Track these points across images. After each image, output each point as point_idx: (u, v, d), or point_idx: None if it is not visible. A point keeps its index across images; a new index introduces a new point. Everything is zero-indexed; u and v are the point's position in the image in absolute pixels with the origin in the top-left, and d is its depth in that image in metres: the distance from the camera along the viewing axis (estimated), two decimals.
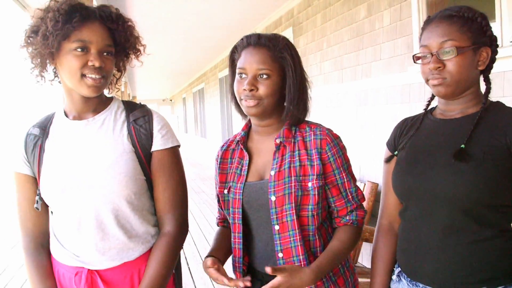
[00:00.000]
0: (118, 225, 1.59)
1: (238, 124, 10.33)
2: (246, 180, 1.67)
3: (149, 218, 1.67)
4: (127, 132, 1.62)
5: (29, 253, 1.65)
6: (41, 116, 1.71)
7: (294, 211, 1.57)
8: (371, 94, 4.39)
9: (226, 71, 11.19)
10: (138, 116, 1.65)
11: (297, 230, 1.57)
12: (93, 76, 1.50)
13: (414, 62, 1.51)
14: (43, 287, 1.61)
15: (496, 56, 1.48)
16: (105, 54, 1.53)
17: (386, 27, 4.06)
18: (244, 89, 1.58)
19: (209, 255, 1.65)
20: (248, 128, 1.77)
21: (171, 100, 28.65)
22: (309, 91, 1.68)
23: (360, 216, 1.64)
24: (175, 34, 8.24)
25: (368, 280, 3.57)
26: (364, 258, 4.49)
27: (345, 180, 1.63)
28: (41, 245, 1.67)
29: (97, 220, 1.57)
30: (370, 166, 4.38)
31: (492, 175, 1.35)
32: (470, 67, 1.42)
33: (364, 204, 4.09)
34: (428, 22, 1.48)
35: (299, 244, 1.58)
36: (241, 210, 1.65)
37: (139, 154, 1.61)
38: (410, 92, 3.78)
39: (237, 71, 1.63)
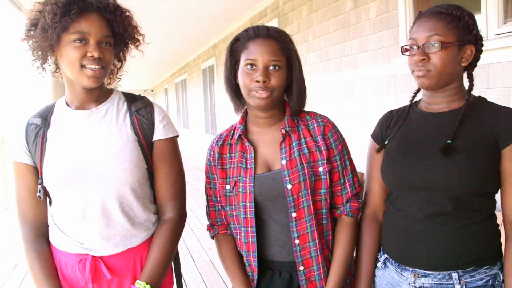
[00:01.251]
0: (122, 212, 1.62)
1: (221, 115, 10.34)
2: (255, 173, 1.67)
3: (150, 206, 1.71)
4: (130, 121, 1.66)
5: (29, 243, 1.66)
6: (40, 107, 1.72)
7: (310, 196, 1.62)
8: (357, 85, 4.45)
9: (209, 62, 11.19)
10: (140, 107, 1.69)
11: (313, 215, 1.63)
12: (92, 66, 1.52)
13: (402, 54, 1.57)
14: (45, 276, 1.62)
15: (481, 55, 1.56)
16: (104, 45, 1.55)
17: (373, 19, 4.11)
18: (257, 81, 1.57)
19: None
20: (244, 121, 1.77)
21: (152, 91, 28.44)
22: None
23: (355, 207, 1.69)
24: (158, 25, 8.18)
25: None
26: None
27: (344, 166, 1.69)
28: (41, 235, 1.69)
29: (102, 207, 1.60)
30: (356, 156, 4.40)
31: (482, 165, 1.43)
32: (453, 62, 1.49)
33: None
34: (419, 17, 1.55)
35: (314, 228, 1.63)
36: (253, 203, 1.65)
37: (141, 143, 1.64)
38: (396, 83, 3.84)
39: (245, 62, 1.61)
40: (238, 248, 1.75)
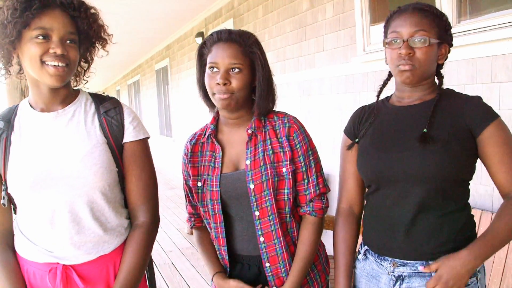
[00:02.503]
0: (93, 218, 1.56)
1: (176, 116, 10.26)
2: (221, 172, 1.72)
3: (121, 211, 1.66)
4: (99, 123, 1.60)
5: None
6: (3, 107, 1.65)
7: (272, 196, 1.66)
8: (315, 85, 4.50)
9: (163, 63, 11.09)
10: (109, 108, 1.63)
11: (276, 214, 1.67)
12: (55, 63, 1.45)
13: (383, 46, 1.59)
14: None
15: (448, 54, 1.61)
16: (68, 42, 1.49)
17: (329, 19, 4.16)
18: (218, 83, 1.62)
19: (219, 272, 1.78)
20: (216, 121, 1.81)
21: (103, 93, 27.87)
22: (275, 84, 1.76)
23: (317, 207, 1.73)
24: (110, 26, 8.01)
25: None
26: None
27: (309, 167, 1.72)
28: (6, 244, 1.61)
29: (71, 213, 1.54)
30: None
31: (457, 154, 1.48)
32: (434, 59, 1.54)
33: None
34: (400, 12, 1.56)
35: (278, 227, 1.68)
36: (220, 201, 1.71)
37: (111, 146, 1.59)
38: (353, 82, 3.91)
39: (208, 65, 1.66)
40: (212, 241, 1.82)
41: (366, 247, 1.69)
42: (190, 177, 1.79)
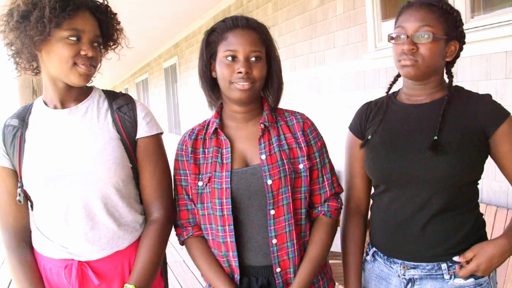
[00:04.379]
0: (107, 214, 1.56)
1: (185, 114, 10.26)
2: (232, 168, 1.59)
3: (136, 207, 1.66)
4: (112, 119, 1.61)
5: (11, 250, 1.59)
6: (20, 105, 1.67)
7: (290, 194, 1.56)
8: (325, 82, 4.48)
9: (171, 61, 11.09)
10: (122, 104, 1.64)
11: (292, 214, 1.57)
12: (86, 64, 1.49)
13: (388, 41, 1.56)
14: (30, 284, 1.55)
15: (461, 52, 1.57)
16: (95, 44, 1.52)
17: (340, 15, 4.14)
18: (239, 72, 1.52)
19: None
20: (219, 115, 1.69)
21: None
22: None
23: (333, 207, 1.64)
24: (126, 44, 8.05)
25: (336, 261, 3.66)
26: None
27: (323, 164, 1.65)
28: (23, 241, 1.62)
29: (86, 209, 1.54)
30: None
31: (470, 156, 1.45)
32: (440, 55, 1.49)
33: None
34: (407, 6, 1.53)
35: (293, 228, 1.57)
36: (230, 200, 1.56)
37: (125, 141, 1.59)
38: (364, 79, 3.89)
39: (225, 53, 1.55)
40: (212, 249, 1.64)
41: (374, 248, 1.67)
42: (189, 176, 1.65)
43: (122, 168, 1.57)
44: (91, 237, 1.56)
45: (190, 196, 1.66)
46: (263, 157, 1.58)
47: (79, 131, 1.57)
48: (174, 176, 1.71)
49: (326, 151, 1.69)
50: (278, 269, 1.58)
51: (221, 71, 1.57)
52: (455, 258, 1.47)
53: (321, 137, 1.68)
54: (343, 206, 1.73)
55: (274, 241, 1.56)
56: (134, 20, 7.78)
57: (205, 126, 1.70)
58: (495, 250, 1.42)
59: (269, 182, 1.55)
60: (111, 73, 18.68)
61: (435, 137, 1.46)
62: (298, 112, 1.69)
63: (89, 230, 1.55)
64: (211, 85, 1.66)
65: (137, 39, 10.06)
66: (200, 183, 1.62)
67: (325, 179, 1.65)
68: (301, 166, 1.60)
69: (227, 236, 1.57)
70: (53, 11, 1.41)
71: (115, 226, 1.58)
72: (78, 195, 1.53)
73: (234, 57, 1.54)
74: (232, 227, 1.56)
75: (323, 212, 1.64)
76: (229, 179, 1.57)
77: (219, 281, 1.58)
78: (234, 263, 1.58)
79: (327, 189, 1.65)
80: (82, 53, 1.47)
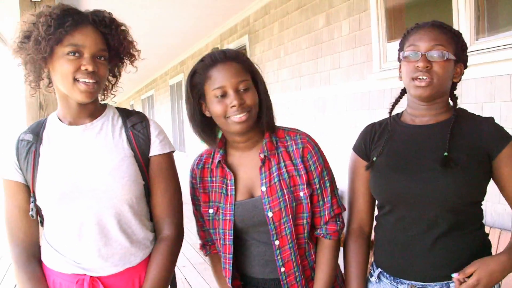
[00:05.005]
0: (120, 230, 1.57)
1: (190, 131, 10.26)
2: (235, 199, 1.64)
3: (147, 224, 1.66)
4: (126, 137, 1.62)
5: (20, 265, 1.58)
6: (31, 123, 1.68)
7: (291, 223, 1.60)
8: (330, 102, 4.50)
9: (177, 78, 11.15)
10: (136, 122, 1.65)
11: (295, 241, 1.61)
12: (86, 80, 1.48)
13: (398, 61, 1.59)
14: None
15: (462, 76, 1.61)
16: (98, 58, 1.52)
17: (345, 36, 4.17)
18: (233, 105, 1.53)
19: None
20: (223, 145, 1.72)
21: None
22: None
23: (332, 230, 1.66)
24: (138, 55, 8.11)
25: None
26: None
27: (324, 188, 1.66)
28: (33, 255, 1.61)
29: (99, 225, 1.54)
30: None
31: (476, 176, 1.47)
32: (450, 75, 1.53)
33: None
34: (418, 27, 1.56)
35: (298, 254, 1.63)
36: (232, 231, 1.63)
37: (138, 159, 1.60)
38: (369, 99, 3.90)
39: (214, 92, 1.56)
40: None
41: (379, 269, 1.66)
42: (200, 203, 1.73)
43: (136, 185, 1.58)
44: (104, 253, 1.56)
45: (204, 219, 1.75)
46: (263, 188, 1.61)
47: (94, 147, 1.58)
48: (191, 199, 1.77)
49: (328, 173, 1.68)
50: None
51: (214, 109, 1.58)
52: (454, 275, 1.46)
53: (323, 160, 1.67)
54: (345, 227, 1.73)
55: (282, 269, 1.63)
56: (142, 37, 7.82)
57: (212, 154, 1.73)
58: (496, 266, 1.42)
59: (270, 214, 1.59)
60: (117, 89, 18.77)
61: (445, 153, 1.48)
62: (299, 134, 1.68)
63: (102, 246, 1.56)
64: (204, 126, 1.67)
65: (144, 56, 10.09)
66: (210, 211, 1.69)
67: (325, 202, 1.66)
68: (301, 193, 1.62)
69: (226, 263, 1.67)
70: (49, 29, 1.43)
71: (128, 243, 1.59)
72: (92, 211, 1.53)
73: (223, 93, 1.55)
74: (231, 256, 1.65)
75: (322, 234, 1.67)
76: (233, 212, 1.63)
77: None
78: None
79: (326, 213, 1.66)
80: (83, 68, 1.47)
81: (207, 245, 1.79)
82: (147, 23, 6.88)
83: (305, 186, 1.61)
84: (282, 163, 1.63)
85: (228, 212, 1.63)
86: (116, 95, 1.75)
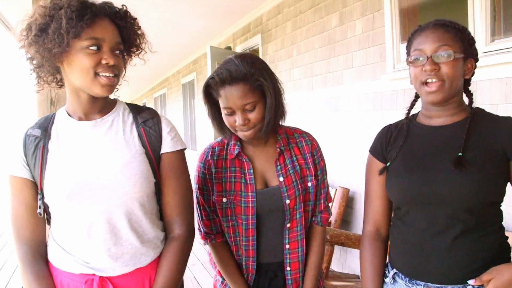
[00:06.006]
0: (131, 229, 1.54)
1: (202, 130, 10.29)
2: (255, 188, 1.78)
3: (158, 223, 1.63)
4: (137, 133, 1.59)
5: (27, 264, 1.54)
6: (35, 117, 1.65)
7: (302, 209, 1.81)
8: (343, 101, 4.47)
9: (189, 77, 11.16)
10: (147, 118, 1.62)
11: (303, 225, 1.83)
12: (107, 74, 1.46)
13: (407, 65, 1.56)
14: None
15: (475, 70, 1.58)
16: (117, 52, 1.49)
17: (358, 36, 4.14)
18: (238, 124, 1.67)
19: None
20: (238, 138, 1.82)
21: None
22: (283, 90, 1.78)
23: (325, 218, 1.89)
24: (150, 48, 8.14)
25: (341, 283, 3.63)
26: (334, 263, 4.55)
27: (322, 180, 1.88)
28: (39, 254, 1.57)
29: (109, 224, 1.51)
30: (341, 172, 4.45)
31: (492, 177, 1.45)
32: (460, 74, 1.51)
33: (335, 209, 4.19)
34: (421, 29, 1.55)
35: (304, 236, 1.85)
36: (255, 216, 1.77)
37: (149, 156, 1.57)
38: (382, 100, 3.87)
39: (223, 109, 1.70)
40: (234, 253, 1.85)
41: (394, 270, 1.64)
42: (212, 192, 1.79)
43: (147, 183, 1.55)
44: (114, 253, 1.53)
45: (212, 208, 1.82)
46: (281, 179, 1.79)
47: (104, 143, 1.55)
48: (196, 189, 1.84)
49: (325, 168, 1.91)
50: (288, 268, 1.84)
51: (225, 121, 1.73)
52: (470, 282, 1.44)
53: (323, 156, 1.90)
54: (362, 229, 1.75)
55: (287, 246, 1.83)
56: (156, 36, 7.84)
57: (225, 147, 1.84)
58: None
59: (288, 201, 1.78)
60: (129, 87, 18.86)
61: (460, 154, 1.46)
62: (305, 133, 1.90)
63: (112, 245, 1.52)
64: (222, 125, 1.80)
65: (157, 54, 10.12)
66: (224, 200, 1.78)
67: (322, 193, 1.89)
68: (309, 184, 1.83)
69: (249, 245, 1.81)
70: (70, 22, 1.39)
71: (138, 243, 1.56)
72: (102, 209, 1.50)
73: (231, 112, 1.68)
74: (255, 237, 1.80)
75: (316, 221, 1.90)
76: (255, 199, 1.77)
77: (237, 284, 1.84)
78: (252, 266, 1.83)
79: (322, 202, 1.89)
80: (104, 62, 1.44)
81: (212, 234, 1.85)
82: (160, 22, 6.89)
83: (313, 177, 1.83)
84: (294, 157, 1.83)
85: (250, 199, 1.76)
86: (119, 89, 1.72)
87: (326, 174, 1.90)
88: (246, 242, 1.80)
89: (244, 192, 1.77)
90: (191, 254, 5.55)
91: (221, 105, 1.69)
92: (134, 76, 14.72)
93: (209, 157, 1.81)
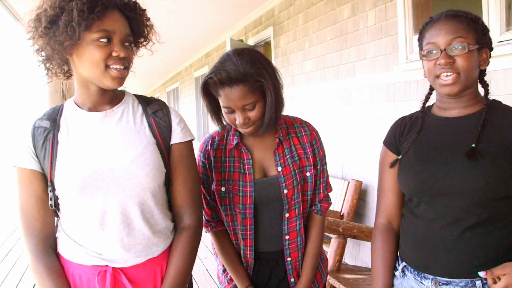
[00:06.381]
0: (144, 220, 1.54)
1: (214, 123, 10.28)
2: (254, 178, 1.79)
3: (168, 213, 1.64)
4: (148, 124, 1.58)
5: (38, 257, 1.51)
6: (46, 109, 1.63)
7: (300, 199, 1.82)
8: (355, 93, 4.44)
9: (201, 71, 11.17)
10: (157, 109, 1.62)
11: (302, 214, 1.84)
12: (118, 66, 1.44)
13: (420, 59, 1.53)
14: None
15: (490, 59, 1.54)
16: (126, 44, 1.48)
17: (371, 27, 4.10)
18: (238, 122, 1.69)
19: (249, 286, 1.86)
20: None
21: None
22: (282, 90, 1.78)
23: (324, 207, 1.90)
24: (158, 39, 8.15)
25: (353, 276, 3.62)
26: (347, 256, 4.54)
27: (322, 169, 1.89)
28: (50, 247, 1.55)
29: (123, 214, 1.51)
30: (354, 164, 4.43)
31: (505, 169, 1.41)
32: (475, 65, 1.47)
33: (348, 202, 4.18)
34: (432, 21, 1.51)
35: (302, 226, 1.86)
36: (253, 205, 1.78)
37: (160, 146, 1.57)
38: (395, 91, 3.83)
39: (223, 108, 1.71)
40: (233, 241, 1.87)
41: (404, 263, 1.62)
42: (212, 181, 1.82)
43: (160, 174, 1.55)
44: (127, 244, 1.53)
45: (212, 197, 1.85)
46: (279, 168, 1.80)
47: (116, 134, 1.54)
48: None
49: (325, 157, 1.91)
50: (289, 258, 1.85)
51: (226, 117, 1.75)
52: (481, 274, 1.40)
53: (322, 145, 1.90)
54: (374, 222, 1.72)
55: (287, 237, 1.83)
56: (168, 30, 7.86)
57: (225, 136, 1.86)
58: None
59: (285, 191, 1.79)
60: (142, 81, 18.93)
61: (473, 145, 1.42)
62: (305, 122, 1.90)
63: (125, 236, 1.52)
64: (218, 116, 1.82)
65: (169, 49, 10.17)
66: (223, 189, 1.80)
67: (321, 182, 1.89)
68: (308, 174, 1.83)
69: (247, 234, 1.81)
70: (81, 14, 1.37)
71: (150, 233, 1.56)
72: (116, 200, 1.49)
73: (231, 111, 1.69)
74: (252, 226, 1.80)
75: (315, 210, 1.90)
76: (253, 188, 1.78)
77: (235, 275, 1.86)
78: (250, 256, 1.84)
79: (321, 191, 1.90)
80: (114, 54, 1.43)
81: (213, 222, 1.89)
82: (171, 16, 6.89)
83: (312, 167, 1.84)
84: (293, 147, 1.83)
85: (248, 189, 1.78)
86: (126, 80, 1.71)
87: (325, 164, 1.91)
88: (244, 231, 1.80)
89: (242, 181, 1.78)
90: (204, 247, 5.57)
91: (221, 104, 1.70)
92: (147, 70, 14.76)
93: (209, 147, 1.85)
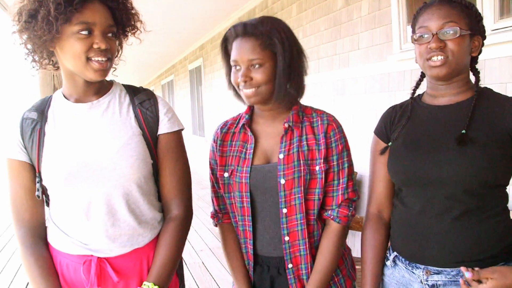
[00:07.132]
0: (129, 210, 1.54)
1: (209, 116, 10.28)
2: (252, 163, 1.67)
3: (155, 204, 1.64)
4: (134, 114, 1.58)
5: (27, 246, 1.55)
6: (35, 101, 1.64)
7: (302, 194, 1.60)
8: (349, 84, 4.42)
9: (196, 63, 11.13)
10: (144, 99, 1.61)
11: (304, 214, 1.62)
12: (99, 59, 1.44)
13: (412, 43, 1.52)
14: (45, 280, 1.52)
15: (482, 48, 1.53)
16: (109, 35, 1.47)
17: (365, 16, 4.08)
18: (240, 80, 1.59)
19: None
20: (251, 111, 1.76)
21: None
22: (306, 65, 1.67)
23: (343, 214, 1.64)
24: (147, 27, 8.10)
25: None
26: None
27: (341, 168, 1.65)
28: (39, 237, 1.59)
29: (107, 205, 1.52)
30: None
31: (496, 157, 1.39)
32: (467, 51, 1.46)
33: None
34: (426, 6, 1.50)
35: (305, 227, 1.63)
36: (249, 193, 1.65)
37: (146, 137, 1.57)
38: (389, 81, 3.82)
39: (231, 62, 1.62)
40: (239, 238, 1.76)
41: (395, 253, 1.61)
42: (217, 166, 1.75)
43: (145, 164, 1.55)
44: (111, 234, 1.54)
45: (219, 185, 1.75)
46: (281, 156, 1.63)
47: (101, 125, 1.54)
48: (209, 164, 1.80)
49: (348, 155, 1.68)
50: (290, 265, 1.65)
51: (232, 78, 1.65)
52: (467, 275, 1.32)
53: (344, 141, 1.67)
54: (366, 211, 1.70)
55: (286, 238, 1.64)
56: (162, 22, 7.83)
57: (237, 120, 1.78)
58: None
59: (282, 181, 1.61)
60: (137, 74, 18.87)
61: (463, 131, 1.41)
62: (326, 113, 1.70)
63: (110, 226, 1.54)
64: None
65: (163, 41, 10.13)
66: (225, 174, 1.71)
67: (340, 183, 1.65)
68: (317, 168, 1.62)
69: (245, 225, 1.69)
70: (59, 7, 1.36)
71: (136, 223, 1.56)
72: (100, 190, 1.51)
73: (237, 66, 1.61)
74: (250, 217, 1.67)
75: (332, 216, 1.65)
76: (249, 174, 1.65)
77: (236, 272, 1.74)
78: (250, 250, 1.70)
79: (340, 193, 1.65)
80: (95, 46, 1.42)
81: (220, 213, 1.80)
82: (165, 8, 6.85)
83: (322, 161, 1.62)
84: (304, 136, 1.64)
85: (244, 174, 1.66)
86: (117, 68, 1.69)
87: (347, 163, 1.66)
88: (243, 221, 1.70)
89: (240, 166, 1.68)
90: (199, 240, 5.57)
91: (231, 59, 1.62)
92: (142, 64, 14.71)
93: (219, 130, 1.79)
